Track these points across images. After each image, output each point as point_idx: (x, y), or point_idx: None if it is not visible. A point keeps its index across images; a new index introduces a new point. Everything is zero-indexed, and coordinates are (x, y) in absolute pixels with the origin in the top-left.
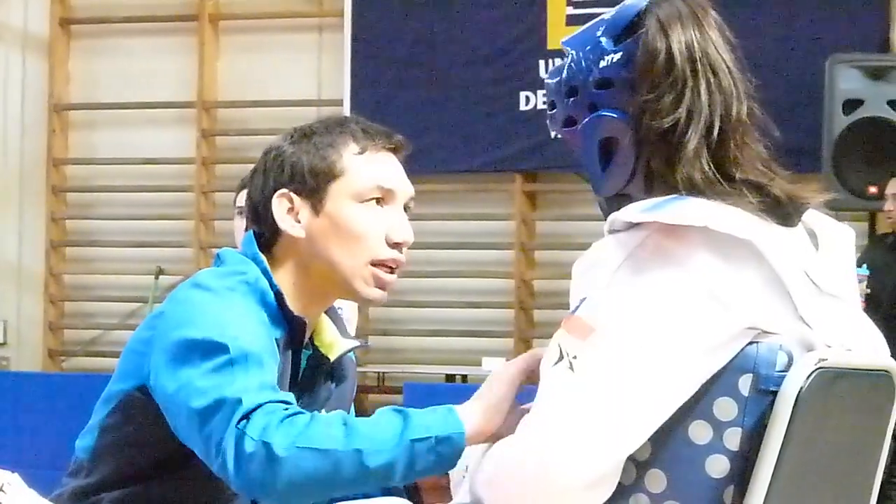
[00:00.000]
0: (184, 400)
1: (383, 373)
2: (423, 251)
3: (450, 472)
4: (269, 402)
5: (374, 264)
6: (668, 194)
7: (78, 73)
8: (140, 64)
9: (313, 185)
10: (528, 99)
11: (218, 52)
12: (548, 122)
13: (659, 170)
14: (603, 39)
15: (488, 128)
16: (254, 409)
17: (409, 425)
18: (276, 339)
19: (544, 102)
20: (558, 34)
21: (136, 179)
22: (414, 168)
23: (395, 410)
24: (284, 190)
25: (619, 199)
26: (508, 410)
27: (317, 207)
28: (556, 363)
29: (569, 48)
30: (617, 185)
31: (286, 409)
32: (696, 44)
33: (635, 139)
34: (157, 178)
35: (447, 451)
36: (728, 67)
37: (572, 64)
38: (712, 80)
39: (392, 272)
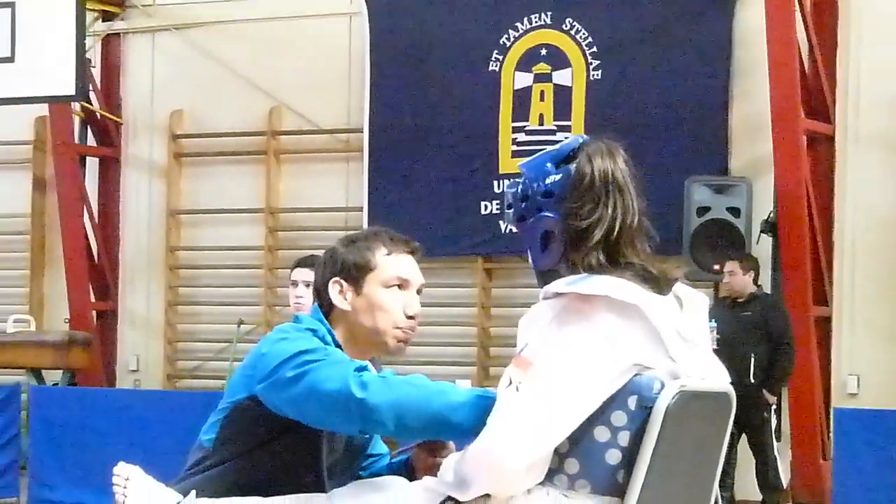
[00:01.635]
0: (295, 373)
1: None
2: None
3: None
4: (365, 365)
5: (396, 328)
6: (579, 273)
7: (186, 189)
8: (228, 183)
9: (356, 275)
10: (486, 206)
11: (280, 175)
12: (505, 217)
13: (572, 256)
14: (548, 164)
15: (460, 226)
16: (360, 368)
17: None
18: None
19: (498, 207)
20: (506, 163)
21: (224, 260)
22: None
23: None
24: (337, 278)
25: (550, 274)
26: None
27: (358, 290)
28: (507, 386)
29: (524, 169)
30: (550, 263)
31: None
32: (609, 172)
33: (563, 233)
34: (238, 259)
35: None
36: (630, 190)
37: (526, 179)
38: (618, 197)
39: (412, 330)
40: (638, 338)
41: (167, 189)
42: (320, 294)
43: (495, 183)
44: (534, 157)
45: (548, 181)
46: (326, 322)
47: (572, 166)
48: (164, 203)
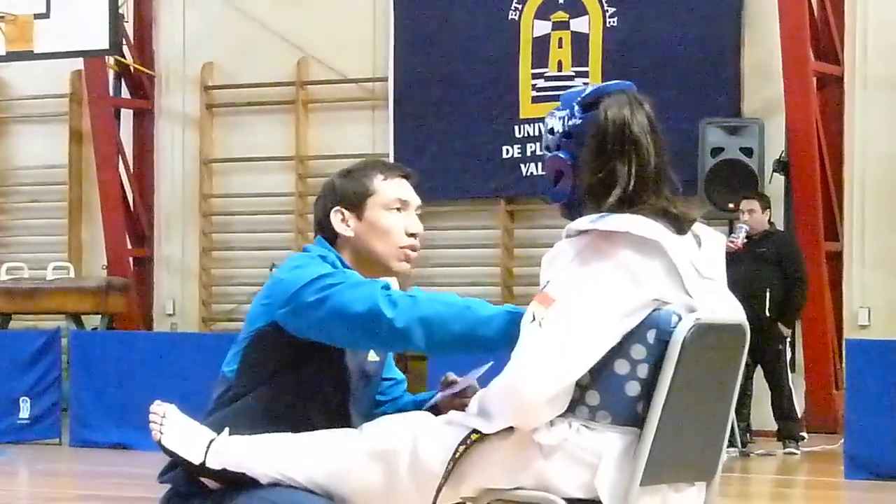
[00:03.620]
0: (317, 303)
1: None
2: (436, 250)
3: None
4: (383, 286)
5: (400, 248)
6: (598, 208)
7: (219, 138)
8: (259, 132)
9: (356, 202)
10: (507, 150)
11: (308, 124)
12: (541, 142)
13: (589, 200)
14: (576, 105)
15: (483, 169)
16: (386, 287)
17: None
18: None
19: (519, 151)
20: (527, 108)
21: (257, 207)
22: (435, 195)
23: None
24: (338, 207)
25: (571, 206)
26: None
27: (360, 216)
28: (530, 322)
29: (560, 102)
30: (561, 198)
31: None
32: (626, 124)
33: (575, 174)
34: (270, 206)
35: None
36: (647, 143)
37: (557, 112)
38: (632, 152)
39: (413, 250)
40: (657, 274)
41: (200, 139)
42: (322, 226)
43: (516, 128)
44: (574, 89)
45: (570, 123)
46: (334, 249)
47: (592, 114)
48: (196, 153)
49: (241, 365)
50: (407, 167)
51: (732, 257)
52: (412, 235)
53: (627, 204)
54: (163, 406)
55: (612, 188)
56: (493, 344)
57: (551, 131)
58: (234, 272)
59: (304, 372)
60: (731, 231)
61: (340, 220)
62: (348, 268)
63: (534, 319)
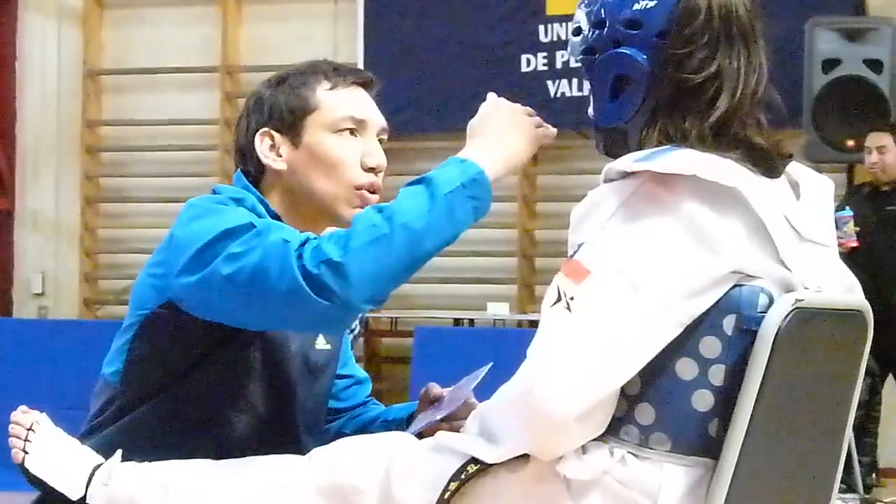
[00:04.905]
0: (223, 272)
1: (396, 318)
2: None
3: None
4: (310, 238)
5: (355, 189)
6: (660, 141)
7: (110, 41)
8: (168, 32)
9: (290, 121)
10: (528, 61)
11: (240, 20)
12: (568, 47)
13: (662, 118)
14: None
15: (492, 88)
16: (301, 246)
17: (434, 185)
18: None
19: (545, 63)
20: (556, 1)
21: (164, 140)
22: (422, 126)
23: (412, 183)
24: (265, 129)
25: (614, 135)
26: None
27: (295, 141)
28: (554, 303)
29: None
30: (619, 118)
31: (326, 234)
32: (733, 9)
33: (648, 83)
34: (184, 139)
35: (478, 192)
36: (758, 40)
37: None
38: (741, 48)
39: (373, 194)
40: (738, 235)
41: (84, 41)
42: (244, 155)
43: (541, 29)
44: None
45: (637, 6)
46: (255, 190)
47: None
48: (78, 60)
49: (127, 364)
50: (367, 72)
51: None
52: (371, 170)
53: (716, 129)
54: (30, 415)
55: (709, 107)
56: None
57: (599, 22)
58: (130, 234)
59: (218, 369)
60: (849, 179)
61: (269, 148)
62: (276, 217)
63: (559, 299)
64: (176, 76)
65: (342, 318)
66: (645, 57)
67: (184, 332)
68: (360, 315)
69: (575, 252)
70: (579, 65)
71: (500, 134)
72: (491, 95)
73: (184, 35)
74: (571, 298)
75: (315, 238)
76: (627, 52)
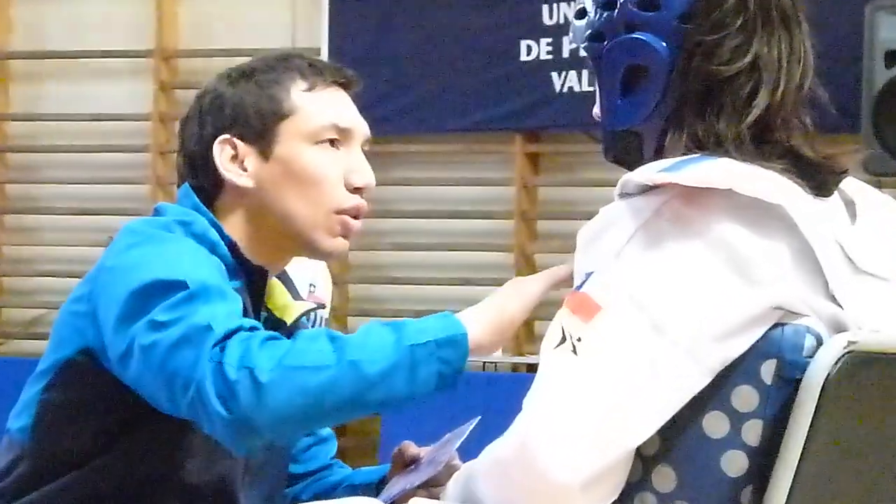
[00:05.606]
0: (141, 342)
1: None
2: (410, 220)
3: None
4: (243, 328)
5: (336, 213)
6: (688, 147)
7: (21, 20)
8: (91, 9)
9: (260, 127)
10: (529, 48)
11: None
12: (570, 32)
13: (690, 119)
14: None
15: (485, 81)
16: (227, 336)
17: (404, 332)
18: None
19: (549, 50)
20: None
21: (85, 138)
22: (400, 127)
23: (383, 324)
24: (226, 135)
25: (626, 140)
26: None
27: (266, 152)
28: (557, 345)
29: None
30: (633, 119)
31: (262, 333)
32: None
33: (668, 76)
34: (110, 137)
35: (450, 356)
36: (800, 24)
37: None
38: (783, 34)
39: (356, 219)
40: (781, 263)
41: None
42: (195, 166)
43: (544, 9)
44: None
45: None
46: (208, 210)
47: None
48: None
49: (37, 420)
50: (349, 70)
51: None
52: (358, 191)
53: (756, 132)
54: None
55: (745, 105)
56: (398, 400)
57: (608, 5)
58: (41, 252)
59: (149, 440)
60: None
61: (231, 159)
62: (231, 246)
63: (563, 340)
64: (99, 62)
65: (234, 437)
66: (664, 44)
67: (107, 389)
68: (258, 443)
69: (583, 283)
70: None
71: (510, 318)
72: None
73: (109, 13)
74: (578, 340)
75: (248, 331)
76: (643, 38)
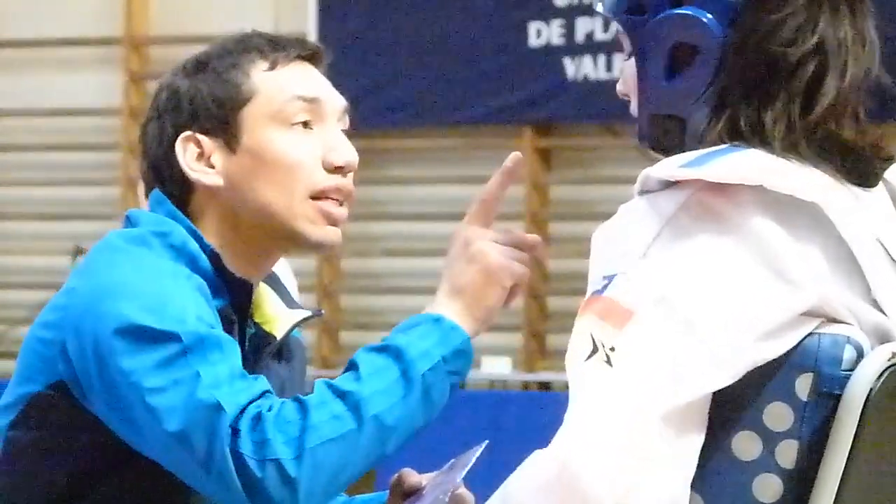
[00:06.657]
0: (136, 402)
1: None
2: (407, 223)
3: None
4: (249, 401)
5: (315, 198)
6: (721, 137)
7: None
8: None
9: (221, 117)
10: (539, 32)
11: None
12: (599, 3)
13: (733, 105)
14: None
15: (489, 69)
16: (238, 418)
17: (406, 359)
18: (217, 311)
19: (562, 34)
20: None
21: (48, 135)
22: (395, 120)
23: (376, 351)
24: (188, 132)
25: (667, 125)
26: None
27: (231, 144)
28: (588, 357)
29: None
30: (680, 104)
31: (268, 404)
32: None
33: (720, 57)
34: (75, 133)
35: (459, 366)
36: (864, 2)
37: None
38: (848, 15)
39: (341, 205)
40: (817, 265)
41: None
42: (160, 171)
43: None
44: None
45: None
46: (185, 217)
47: None
48: None
49: (4, 458)
50: (321, 47)
51: None
52: (339, 170)
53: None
54: None
55: (808, 94)
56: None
57: None
58: (2, 262)
59: (128, 487)
60: None
61: (196, 157)
62: (213, 255)
63: (595, 351)
64: (65, 51)
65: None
66: (717, 22)
67: (82, 427)
68: None
69: (605, 286)
70: (607, 35)
71: (481, 288)
72: (484, 244)
73: None
74: (612, 349)
75: (257, 403)
76: (693, 13)
